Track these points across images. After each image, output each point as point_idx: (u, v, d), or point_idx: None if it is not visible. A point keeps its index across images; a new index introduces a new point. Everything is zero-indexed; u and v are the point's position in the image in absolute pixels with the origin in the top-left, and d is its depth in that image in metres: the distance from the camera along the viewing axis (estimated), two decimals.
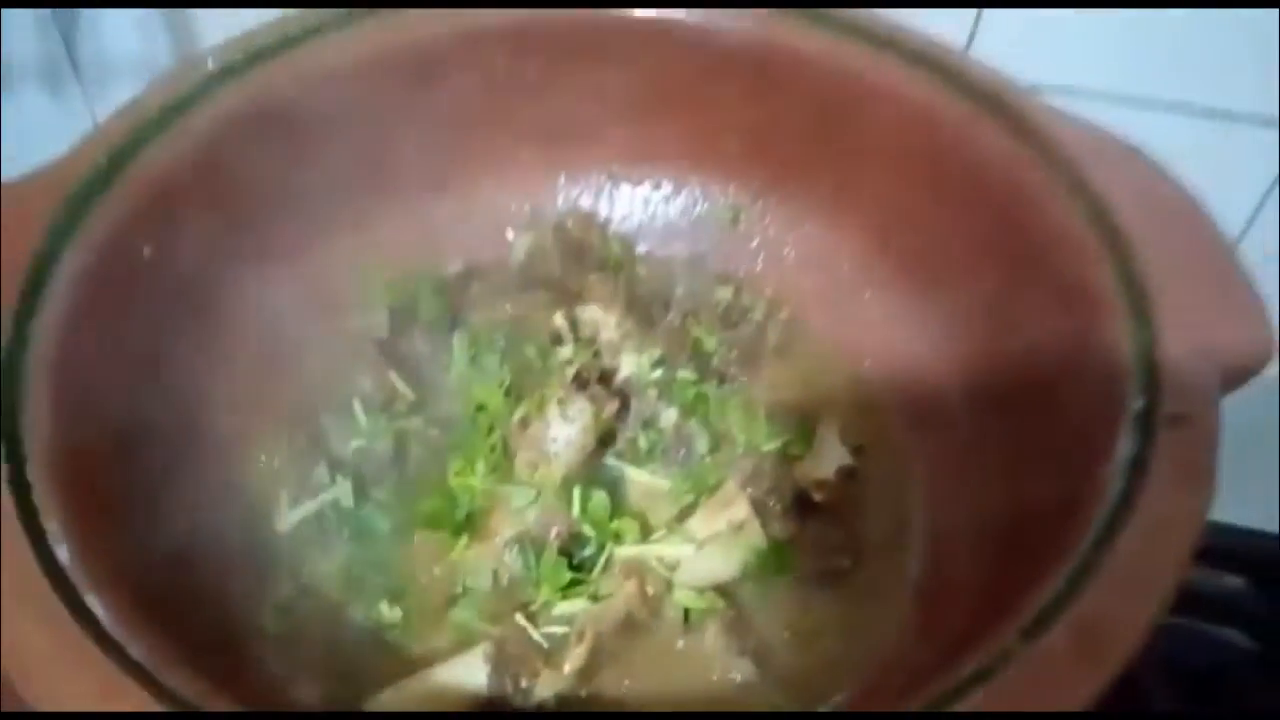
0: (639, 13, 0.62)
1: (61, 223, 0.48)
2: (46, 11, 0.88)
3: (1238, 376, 0.44)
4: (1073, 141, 0.52)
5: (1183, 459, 0.40)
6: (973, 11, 0.72)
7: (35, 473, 0.40)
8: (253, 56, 0.57)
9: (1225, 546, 0.68)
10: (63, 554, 0.38)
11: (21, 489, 0.39)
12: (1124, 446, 0.41)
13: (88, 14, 0.89)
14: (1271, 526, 0.70)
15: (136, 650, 0.35)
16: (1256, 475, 0.74)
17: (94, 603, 0.36)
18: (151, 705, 0.33)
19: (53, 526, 0.38)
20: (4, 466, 0.39)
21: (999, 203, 0.54)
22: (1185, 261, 0.47)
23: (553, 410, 0.53)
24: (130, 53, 0.91)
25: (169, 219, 0.52)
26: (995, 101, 0.55)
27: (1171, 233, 0.48)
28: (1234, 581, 0.69)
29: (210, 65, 0.56)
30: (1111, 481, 0.40)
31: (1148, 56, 0.72)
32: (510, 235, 0.67)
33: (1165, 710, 0.59)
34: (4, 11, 0.89)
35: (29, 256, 0.46)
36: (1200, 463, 0.40)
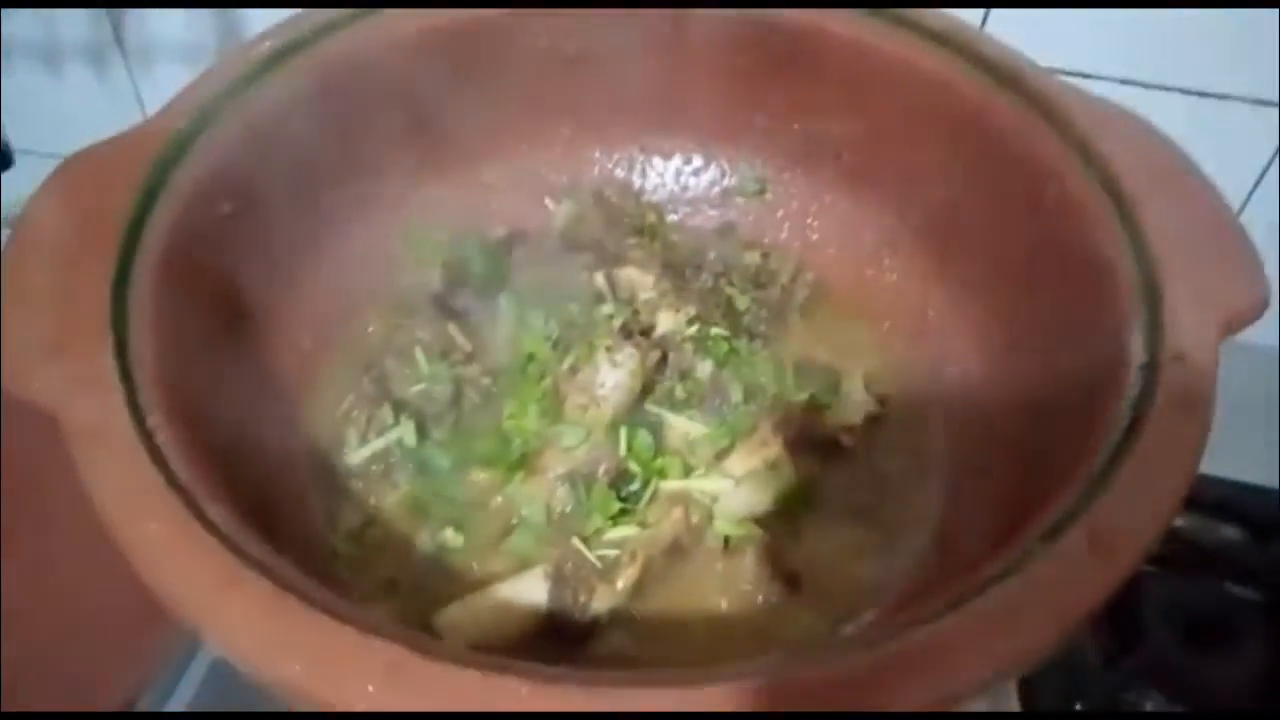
0: None
1: (154, 177, 0.52)
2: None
3: (1236, 322, 0.48)
4: (1082, 113, 0.57)
5: (1182, 391, 0.44)
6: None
7: (145, 398, 0.44)
8: (316, 32, 0.61)
9: (1226, 500, 0.73)
10: (178, 467, 0.42)
11: (137, 410, 0.43)
12: (1132, 384, 0.46)
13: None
14: (1269, 482, 0.74)
15: (252, 549, 0.39)
16: (1256, 435, 0.78)
17: (207, 506, 0.40)
18: (271, 593, 0.37)
19: (165, 443, 0.42)
20: (122, 390, 0.43)
21: (1013, 171, 0.58)
22: (1186, 219, 0.51)
23: (601, 356, 0.57)
24: (176, 37, 0.95)
25: (244, 179, 0.56)
26: (1010, 76, 0.59)
27: (1173, 195, 0.52)
28: (1233, 533, 0.73)
29: (276, 40, 0.60)
30: (1121, 414, 0.45)
31: (1147, 43, 0.76)
32: (549, 204, 0.71)
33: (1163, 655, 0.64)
34: None
35: (129, 206, 0.50)
36: (1198, 393, 0.44)
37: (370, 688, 0.35)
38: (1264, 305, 0.50)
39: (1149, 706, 0.63)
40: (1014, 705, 0.63)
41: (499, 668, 0.35)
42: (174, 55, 0.97)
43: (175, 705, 0.63)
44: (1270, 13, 0.71)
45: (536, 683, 0.34)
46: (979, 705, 0.64)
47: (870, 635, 0.37)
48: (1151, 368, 0.46)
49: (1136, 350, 0.47)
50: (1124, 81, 0.77)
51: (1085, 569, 0.39)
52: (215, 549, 0.38)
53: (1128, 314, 0.49)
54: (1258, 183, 0.81)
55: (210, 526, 0.39)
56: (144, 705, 0.63)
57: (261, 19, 0.89)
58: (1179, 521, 0.73)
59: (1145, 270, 0.49)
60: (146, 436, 0.42)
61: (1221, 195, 0.53)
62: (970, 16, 0.75)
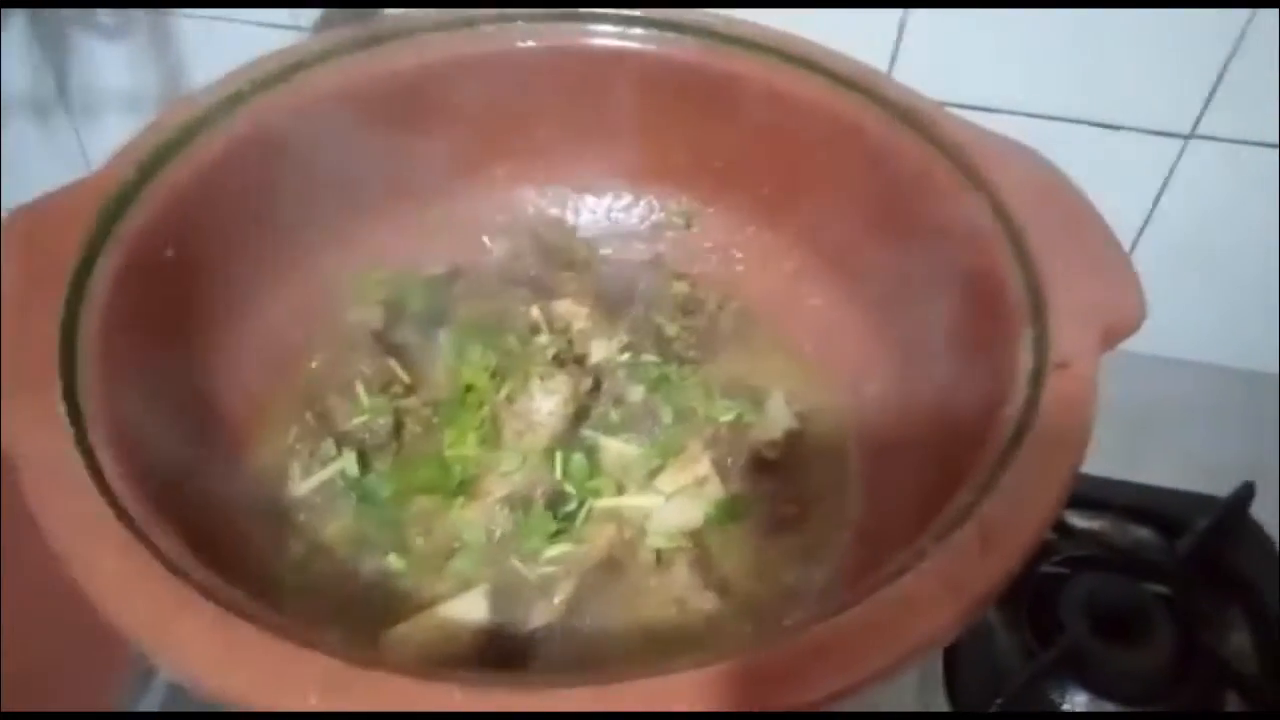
0: (598, 42, 0.70)
1: (100, 226, 0.54)
2: (39, 45, 0.94)
3: (1116, 332, 0.53)
4: (976, 147, 0.61)
5: (1065, 396, 0.48)
6: (894, 31, 0.81)
7: (95, 435, 0.46)
8: (255, 86, 0.64)
9: (1138, 503, 0.78)
10: (127, 501, 0.44)
11: (86, 447, 0.45)
12: (1020, 391, 0.50)
13: (80, 49, 0.95)
14: (1178, 485, 0.79)
15: (198, 575, 0.42)
16: (1166, 442, 0.83)
17: (160, 541, 0.43)
18: (216, 615, 0.39)
19: (114, 479, 0.45)
20: (72, 430, 0.45)
21: (914, 201, 0.63)
22: (1070, 240, 0.56)
23: (536, 384, 0.60)
24: (119, 88, 0.97)
25: (186, 225, 0.59)
26: (911, 116, 0.64)
27: (1057, 217, 0.57)
28: (1145, 534, 0.78)
29: (216, 94, 0.63)
30: (1009, 418, 0.49)
31: (1046, 75, 0.81)
32: (487, 241, 0.75)
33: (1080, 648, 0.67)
34: (1, 44, 0.95)
35: (76, 254, 0.52)
36: (1079, 398, 0.48)
37: (312, 698, 0.37)
38: (1141, 317, 0.54)
39: (1066, 697, 0.66)
40: (941, 700, 0.66)
41: (431, 674, 0.38)
42: (117, 106, 0.99)
43: (184, 706, 0.64)
44: (1162, 47, 0.77)
45: (468, 686, 0.37)
46: (909, 704, 0.68)
47: (780, 632, 0.40)
48: (1036, 376, 0.50)
49: (1024, 360, 0.51)
50: (1028, 115, 0.83)
51: (975, 562, 0.42)
52: (163, 576, 0.41)
53: (1017, 327, 0.53)
54: (1153, 207, 0.87)
55: (158, 554, 0.41)
56: (147, 704, 0.64)
57: (204, 70, 0.92)
58: (1094, 524, 0.78)
59: (1032, 287, 0.54)
60: (96, 472, 0.44)
61: (1100, 215, 0.58)
62: (881, 54, 0.81)
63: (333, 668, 0.37)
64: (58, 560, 0.41)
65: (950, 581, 0.41)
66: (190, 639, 0.39)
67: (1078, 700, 0.67)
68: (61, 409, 0.46)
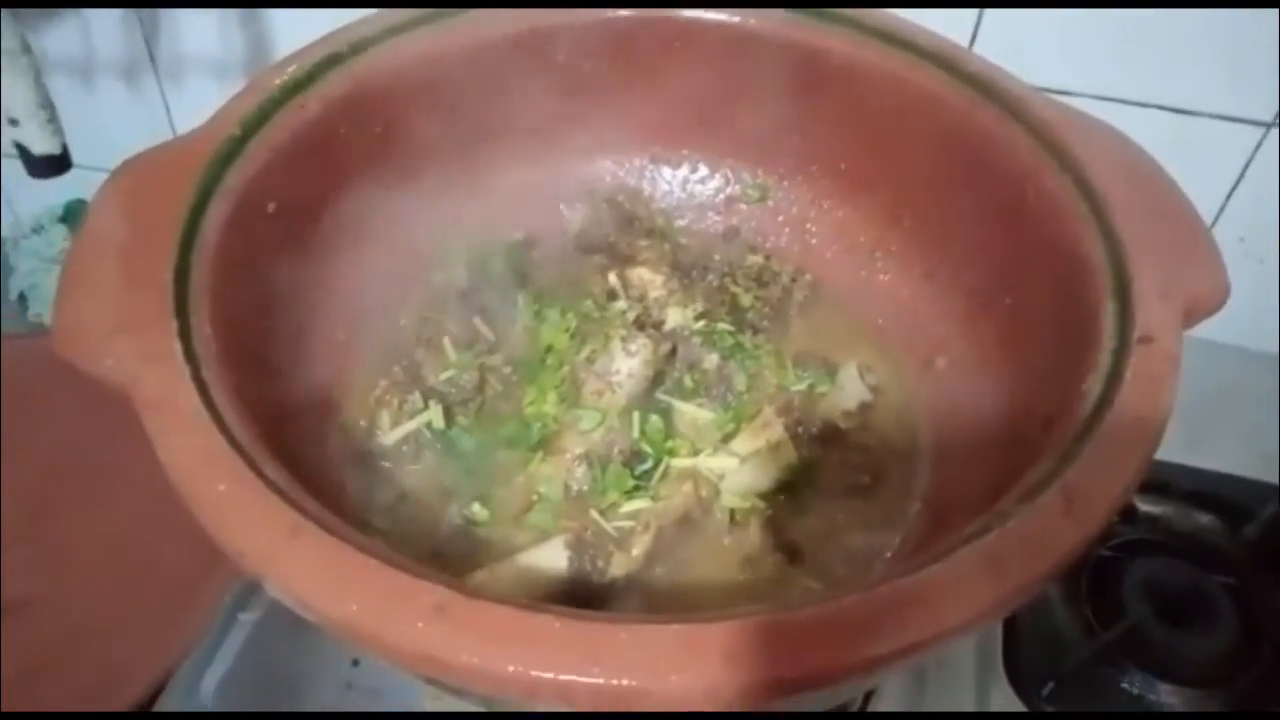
0: (685, 13, 0.71)
1: (208, 178, 0.56)
2: (132, 12, 0.97)
3: (1198, 310, 0.53)
4: (1058, 122, 0.61)
5: (1148, 371, 0.49)
6: (971, 22, 0.81)
7: (208, 374, 0.48)
8: (353, 46, 0.66)
9: (1201, 489, 0.78)
10: (239, 434, 0.46)
11: (201, 385, 0.47)
12: (1103, 364, 0.50)
13: (167, 15, 0.97)
14: (1242, 473, 0.79)
15: (309, 505, 0.44)
16: (1231, 429, 0.83)
17: (270, 470, 0.45)
18: (328, 542, 0.41)
19: (228, 414, 0.47)
20: (188, 368, 0.47)
21: (994, 175, 0.63)
22: (1152, 216, 0.56)
23: (617, 345, 0.61)
24: (207, 52, 1.00)
25: (285, 182, 0.61)
26: (992, 90, 0.64)
27: (1140, 194, 0.57)
28: (1208, 520, 0.78)
29: (318, 53, 0.65)
30: (1093, 390, 0.49)
31: (1123, 62, 0.81)
32: (564, 209, 0.76)
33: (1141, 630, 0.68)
34: (90, 12, 0.98)
35: (187, 203, 0.54)
36: (1163, 373, 0.49)
37: (420, 624, 0.39)
38: (1225, 296, 0.54)
39: (1125, 677, 0.67)
40: (1000, 676, 0.67)
41: (533, 606, 0.39)
42: (203, 71, 1.02)
43: (193, 706, 0.67)
44: (1242, 33, 0.76)
45: (566, 618, 0.39)
46: (968, 680, 0.68)
47: (863, 584, 0.41)
48: (1120, 351, 0.50)
49: (1107, 336, 0.52)
50: (1103, 98, 0.83)
51: (1059, 523, 0.43)
52: (277, 504, 0.43)
53: (1100, 303, 0.53)
54: (1230, 194, 0.86)
55: (271, 485, 0.44)
56: (165, 700, 0.67)
57: (286, 35, 0.95)
58: (1158, 508, 0.78)
59: (1115, 263, 0.54)
60: (210, 407, 0.46)
61: (1184, 194, 0.58)
62: (961, 35, 0.81)
63: (442, 597, 0.39)
64: (176, 489, 0.44)
65: (1033, 541, 0.42)
66: (303, 563, 0.41)
67: (1137, 680, 0.67)
68: (177, 347, 0.48)
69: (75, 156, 0.79)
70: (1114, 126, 0.61)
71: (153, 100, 1.05)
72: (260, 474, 0.44)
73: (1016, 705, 0.66)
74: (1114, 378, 0.49)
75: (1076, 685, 0.67)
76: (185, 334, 0.49)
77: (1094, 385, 0.49)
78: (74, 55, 1.02)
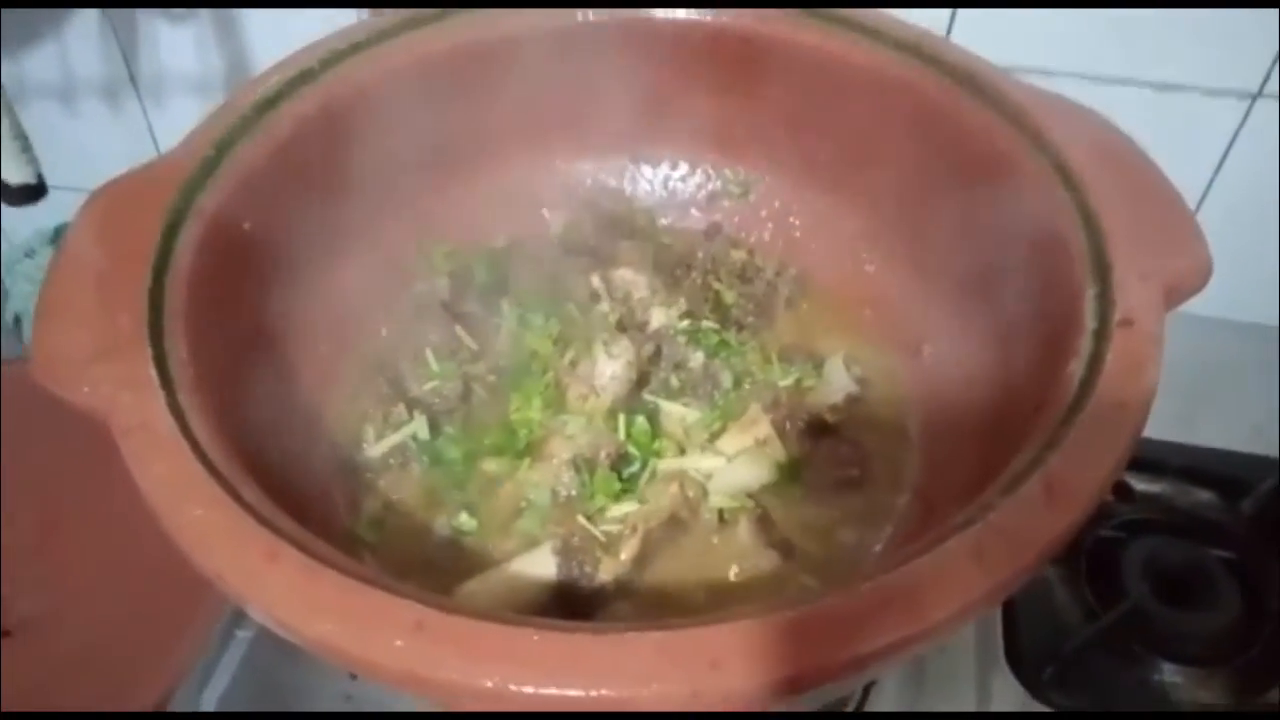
0: (656, 13, 0.70)
1: (181, 201, 0.56)
2: (110, 31, 0.97)
3: (1180, 290, 0.53)
4: (1036, 107, 0.61)
5: (1129, 353, 0.48)
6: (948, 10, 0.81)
7: (184, 399, 0.48)
8: (323, 62, 0.65)
9: (1199, 465, 0.77)
10: (216, 458, 0.46)
11: (176, 409, 0.47)
12: (1084, 348, 0.50)
13: (147, 33, 0.97)
14: (1239, 448, 0.78)
15: (286, 527, 0.44)
16: (1227, 405, 0.82)
17: (247, 494, 0.45)
18: (306, 564, 0.41)
19: (203, 438, 0.47)
20: (163, 393, 0.47)
21: (974, 163, 0.63)
22: (1133, 199, 0.55)
23: (599, 350, 0.61)
24: (186, 70, 0.99)
25: (261, 199, 0.61)
26: (970, 78, 0.63)
27: (1119, 175, 0.56)
28: (1206, 496, 0.77)
29: (285, 72, 0.64)
30: (1074, 376, 0.49)
31: (1106, 40, 0.81)
32: (546, 213, 0.76)
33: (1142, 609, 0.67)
34: (69, 30, 0.98)
35: (159, 227, 0.54)
36: (1144, 356, 0.48)
37: (399, 642, 0.39)
38: (1207, 275, 0.54)
39: (1127, 659, 0.66)
40: (1000, 659, 0.67)
41: (512, 620, 0.39)
42: (185, 89, 1.02)
43: (203, 707, 0.67)
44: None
45: (545, 630, 0.39)
46: (969, 664, 0.68)
47: (847, 582, 0.41)
48: (1100, 334, 0.50)
49: (1088, 319, 0.51)
50: (1084, 77, 0.82)
51: (1041, 514, 0.43)
52: (253, 528, 0.43)
53: (1081, 287, 0.53)
54: (1219, 166, 0.86)
55: (248, 508, 0.44)
56: (174, 707, 0.67)
57: (265, 51, 0.95)
58: (1155, 487, 0.77)
59: (1095, 245, 0.54)
60: (186, 432, 0.46)
61: (1164, 174, 0.57)
62: (938, 17, 0.80)
63: (418, 613, 0.39)
64: (154, 515, 0.44)
65: (1016, 533, 0.42)
66: (281, 587, 0.41)
67: (1140, 660, 0.67)
68: (153, 373, 0.48)
69: (61, 179, 0.79)
70: (1092, 109, 0.61)
71: (135, 120, 1.05)
72: (237, 498, 0.44)
73: (1018, 690, 0.66)
74: (1095, 362, 0.49)
75: (1078, 667, 0.66)
76: (161, 360, 0.49)
77: (1076, 370, 0.49)
78: (54, 78, 1.02)
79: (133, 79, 1.02)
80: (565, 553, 0.54)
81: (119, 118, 1.05)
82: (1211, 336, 0.84)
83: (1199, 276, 0.54)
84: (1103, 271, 0.53)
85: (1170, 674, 0.66)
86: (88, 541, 0.79)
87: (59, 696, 0.69)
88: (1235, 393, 0.83)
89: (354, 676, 0.68)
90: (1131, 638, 0.67)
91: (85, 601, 0.75)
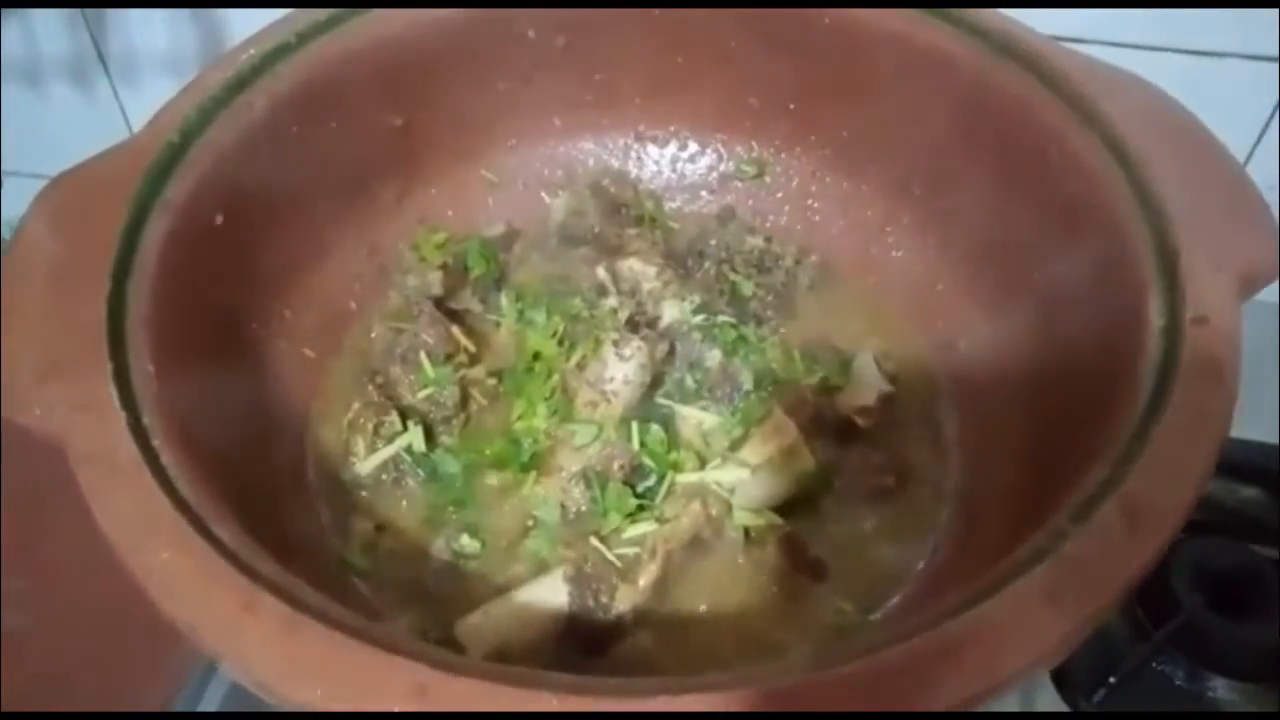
0: None
1: (145, 192, 0.51)
2: (77, 11, 0.91)
3: (1255, 281, 0.47)
4: (1081, 76, 0.55)
5: (1206, 355, 0.43)
6: None
7: (149, 419, 0.43)
8: (301, 35, 0.59)
9: (1244, 461, 0.72)
10: (183, 488, 0.41)
11: (140, 433, 0.42)
12: (1154, 348, 0.45)
13: (114, 12, 0.91)
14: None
15: (266, 570, 0.38)
16: (1268, 394, 0.77)
17: (218, 529, 0.40)
18: (287, 616, 0.36)
19: (171, 465, 0.41)
20: (124, 414, 0.42)
21: (1014, 137, 0.57)
22: (1195, 177, 0.50)
23: (609, 351, 0.56)
24: (159, 49, 0.93)
25: (234, 189, 0.55)
26: (1006, 44, 0.58)
27: (1179, 153, 0.51)
28: (1253, 493, 0.72)
29: (260, 46, 0.58)
30: (1145, 379, 0.44)
31: (1137, 5, 0.75)
32: (545, 198, 0.70)
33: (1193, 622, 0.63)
34: (35, 11, 0.92)
35: (121, 223, 0.49)
36: (1223, 357, 0.43)
37: (396, 705, 0.34)
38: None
39: (1178, 674, 0.62)
40: (1046, 682, 0.62)
41: (530, 681, 0.34)
42: (158, 67, 0.95)
43: (206, 707, 0.63)
44: None
45: (568, 695, 0.34)
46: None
47: (907, 627, 0.36)
48: (1172, 332, 0.45)
49: (1155, 313, 0.46)
50: (1117, 45, 0.76)
51: (1122, 544, 0.38)
52: (228, 573, 0.37)
53: (1142, 276, 0.48)
54: (1259, 139, 0.80)
55: (222, 549, 0.38)
56: (177, 707, 0.63)
57: (243, 26, 0.88)
58: None
59: (1157, 231, 0.48)
60: (152, 460, 0.41)
61: (1228, 152, 0.52)
62: None
63: (419, 675, 0.34)
64: (116, 557, 0.39)
65: (1095, 568, 0.37)
66: (260, 643, 0.36)
67: (1190, 676, 0.62)
68: (113, 391, 0.43)
69: (27, 166, 0.73)
70: (1143, 79, 0.55)
71: (107, 103, 0.99)
72: (209, 537, 0.39)
73: (1061, 710, 0.62)
74: (1168, 365, 0.44)
75: (1128, 686, 0.62)
76: (122, 375, 0.44)
77: (1145, 374, 0.44)
78: (20, 61, 0.95)
79: (102, 60, 0.95)
80: (578, 580, 0.49)
81: (89, 100, 0.99)
82: (1254, 321, 0.78)
83: (1274, 265, 0.48)
84: (1168, 260, 0.48)
85: (1224, 690, 0.62)
86: (78, 551, 0.74)
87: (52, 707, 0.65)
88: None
89: None
90: (1183, 651, 0.62)
91: (77, 612, 0.71)
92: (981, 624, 0.35)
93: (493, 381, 0.59)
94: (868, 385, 0.59)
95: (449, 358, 0.59)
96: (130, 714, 0.63)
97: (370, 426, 0.56)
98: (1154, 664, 0.62)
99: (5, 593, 0.72)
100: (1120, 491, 0.39)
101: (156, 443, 0.42)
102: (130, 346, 0.45)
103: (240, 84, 0.57)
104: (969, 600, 0.36)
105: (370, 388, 0.57)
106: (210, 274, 0.53)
